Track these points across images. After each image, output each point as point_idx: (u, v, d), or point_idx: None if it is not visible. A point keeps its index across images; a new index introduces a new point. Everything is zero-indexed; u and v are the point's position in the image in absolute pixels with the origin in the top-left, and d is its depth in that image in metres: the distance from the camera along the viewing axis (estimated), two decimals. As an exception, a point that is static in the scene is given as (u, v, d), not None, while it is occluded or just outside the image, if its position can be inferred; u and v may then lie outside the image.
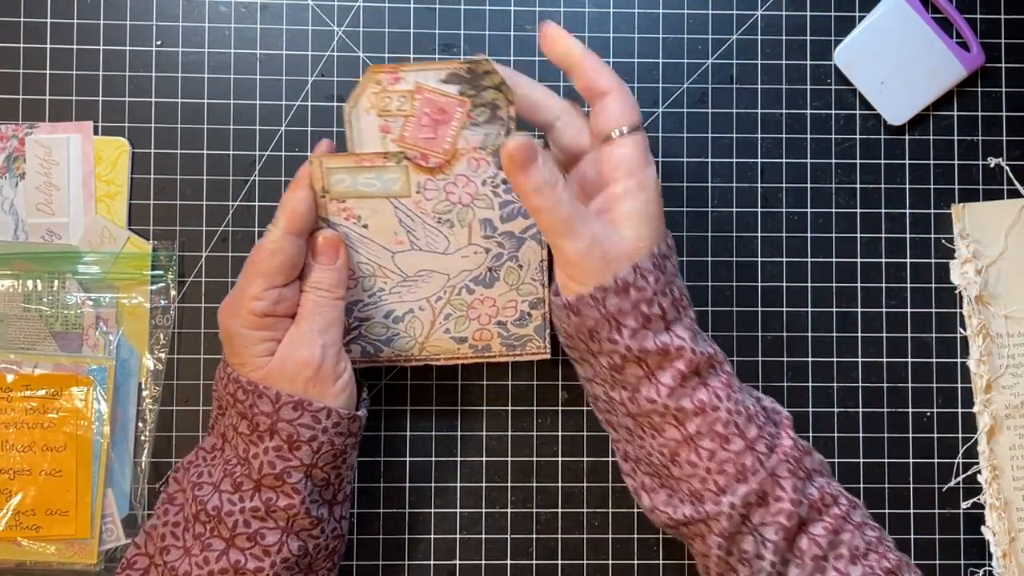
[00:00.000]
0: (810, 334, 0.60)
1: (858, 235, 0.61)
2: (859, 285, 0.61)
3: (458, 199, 0.52)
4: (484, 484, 0.60)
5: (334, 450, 0.50)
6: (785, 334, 0.60)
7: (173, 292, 0.59)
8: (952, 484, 0.60)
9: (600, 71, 0.50)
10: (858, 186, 0.61)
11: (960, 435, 0.60)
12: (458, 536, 0.60)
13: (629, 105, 0.50)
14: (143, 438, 0.58)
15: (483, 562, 0.59)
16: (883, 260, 0.61)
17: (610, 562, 0.60)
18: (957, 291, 0.60)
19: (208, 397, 0.59)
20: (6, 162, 0.58)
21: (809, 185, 0.61)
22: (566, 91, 0.60)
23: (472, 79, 0.50)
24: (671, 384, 0.48)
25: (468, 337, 0.54)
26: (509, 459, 0.60)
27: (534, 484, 0.60)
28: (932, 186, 0.61)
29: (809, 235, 0.61)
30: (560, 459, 0.60)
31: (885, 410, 0.60)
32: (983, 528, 0.60)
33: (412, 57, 0.60)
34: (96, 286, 0.58)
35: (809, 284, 0.60)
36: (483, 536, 0.60)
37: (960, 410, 0.60)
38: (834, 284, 0.61)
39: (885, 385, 0.60)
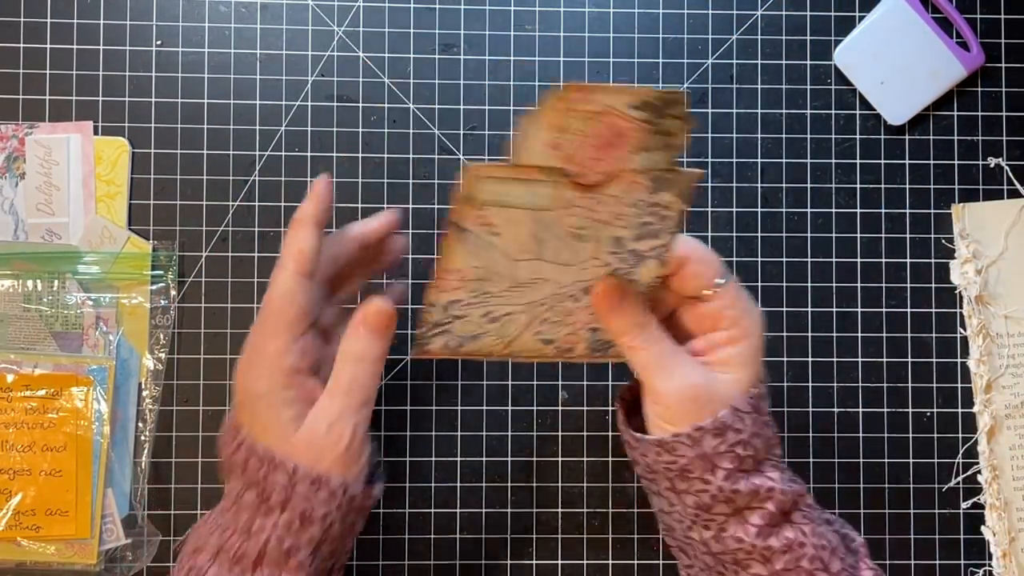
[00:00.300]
0: (810, 334, 0.60)
1: (858, 235, 0.61)
2: (859, 285, 0.61)
3: (600, 218, 0.48)
4: (484, 484, 0.60)
5: (344, 526, 0.47)
6: (785, 334, 0.60)
7: (173, 292, 0.59)
8: (952, 484, 0.60)
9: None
10: (858, 186, 0.61)
11: (960, 435, 0.60)
12: (458, 536, 0.60)
13: (712, 261, 0.48)
14: (143, 438, 0.58)
15: (483, 562, 0.59)
16: (883, 260, 0.61)
17: (610, 562, 0.60)
18: (957, 291, 0.60)
19: (208, 397, 0.59)
20: (6, 162, 0.58)
21: (809, 185, 0.61)
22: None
23: (660, 107, 0.46)
24: (760, 524, 0.47)
25: (556, 340, 0.51)
26: (509, 459, 0.60)
27: (534, 484, 0.60)
28: (932, 186, 0.61)
29: (809, 235, 0.61)
30: (560, 459, 0.60)
31: (885, 410, 0.60)
32: (983, 528, 0.60)
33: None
34: (96, 286, 0.58)
35: (809, 284, 0.60)
36: (483, 536, 0.60)
37: (960, 410, 0.60)
38: (834, 284, 0.61)
39: (885, 385, 0.60)
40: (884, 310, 0.61)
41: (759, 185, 0.61)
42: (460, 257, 0.48)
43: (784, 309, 0.60)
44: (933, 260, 0.61)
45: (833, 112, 0.61)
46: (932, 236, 0.61)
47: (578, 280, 0.50)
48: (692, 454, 0.46)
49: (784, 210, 0.61)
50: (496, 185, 0.47)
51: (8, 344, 0.58)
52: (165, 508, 0.59)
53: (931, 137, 0.61)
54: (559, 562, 0.60)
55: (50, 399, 0.57)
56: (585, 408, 0.60)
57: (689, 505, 0.48)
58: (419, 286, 0.60)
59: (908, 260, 0.61)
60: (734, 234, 0.60)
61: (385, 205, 0.60)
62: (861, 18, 0.61)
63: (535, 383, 0.60)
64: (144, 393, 0.59)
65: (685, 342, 0.49)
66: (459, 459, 0.60)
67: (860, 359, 0.60)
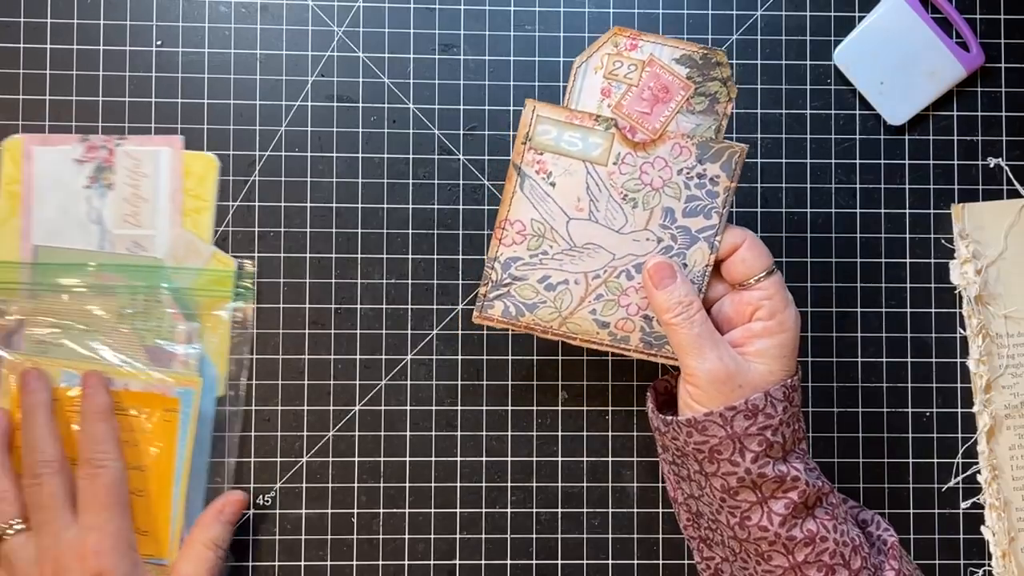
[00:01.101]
0: (810, 334, 0.60)
1: (858, 235, 0.61)
2: (859, 285, 0.61)
3: (650, 180, 0.51)
4: (484, 484, 0.60)
5: None
6: (785, 334, 0.60)
7: (252, 310, 0.59)
8: (952, 484, 0.60)
9: (727, 231, 0.51)
10: (858, 186, 0.61)
11: (960, 435, 0.60)
12: (458, 536, 0.60)
13: (763, 251, 0.51)
14: (221, 460, 0.59)
15: (483, 562, 0.59)
16: (883, 260, 0.61)
17: (610, 562, 0.60)
18: (957, 291, 0.60)
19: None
20: (95, 172, 0.58)
21: (809, 185, 0.61)
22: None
23: (703, 65, 0.50)
24: (783, 513, 0.48)
25: (611, 324, 0.53)
26: (509, 459, 0.60)
27: (534, 484, 0.60)
28: (932, 186, 0.61)
29: (809, 235, 0.61)
30: (560, 459, 0.60)
31: (885, 410, 0.60)
32: (983, 528, 0.60)
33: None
34: (184, 302, 0.58)
35: (809, 284, 0.60)
36: (483, 536, 0.60)
37: (960, 410, 0.60)
38: (834, 284, 0.61)
39: (885, 385, 0.60)
40: (884, 310, 0.61)
41: (759, 185, 0.61)
42: (520, 206, 0.51)
43: (784, 309, 0.60)
44: (933, 260, 0.61)
45: (833, 112, 0.61)
46: (932, 236, 0.61)
47: (630, 253, 0.52)
48: (723, 434, 0.48)
49: (784, 210, 0.61)
50: (552, 128, 0.51)
51: (102, 356, 0.57)
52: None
53: (931, 137, 0.61)
54: (559, 562, 0.60)
55: (138, 418, 0.57)
56: (585, 408, 0.60)
57: (716, 488, 0.49)
58: (419, 286, 0.60)
59: (908, 260, 0.61)
60: (734, 234, 0.60)
61: (385, 205, 0.60)
62: (861, 18, 0.61)
63: (535, 383, 0.60)
64: (224, 411, 0.59)
65: (726, 332, 0.51)
66: (459, 459, 0.60)
67: (860, 359, 0.61)
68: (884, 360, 0.61)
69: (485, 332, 0.60)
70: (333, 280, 0.60)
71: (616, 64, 0.50)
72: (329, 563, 0.59)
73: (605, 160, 0.51)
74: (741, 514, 0.49)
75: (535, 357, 0.60)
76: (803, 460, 0.50)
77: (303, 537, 0.59)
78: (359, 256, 0.60)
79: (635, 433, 0.60)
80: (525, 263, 0.52)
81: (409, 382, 0.60)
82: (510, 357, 0.60)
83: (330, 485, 0.59)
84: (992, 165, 0.61)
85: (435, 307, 0.60)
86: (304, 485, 0.59)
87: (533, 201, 0.51)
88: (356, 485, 0.59)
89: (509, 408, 0.60)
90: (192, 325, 0.58)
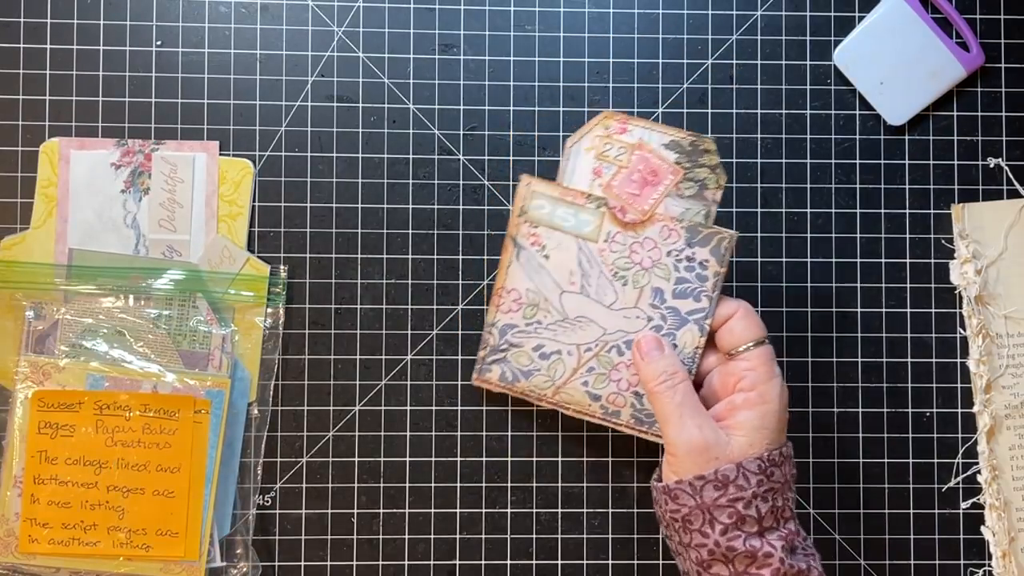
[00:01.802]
0: (810, 334, 0.60)
1: (858, 235, 0.61)
2: (859, 285, 0.61)
3: (640, 260, 0.53)
4: (484, 484, 0.60)
5: None
6: (785, 334, 0.60)
7: (283, 316, 0.59)
8: (952, 484, 0.60)
9: (722, 302, 0.53)
10: (858, 186, 0.61)
11: (960, 435, 0.60)
12: (458, 536, 0.60)
13: (754, 322, 0.52)
14: (249, 462, 0.59)
15: (483, 562, 0.59)
16: (883, 260, 0.61)
17: (610, 562, 0.60)
18: (957, 291, 0.60)
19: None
20: (131, 177, 0.58)
21: (809, 185, 0.61)
22: (553, 90, 0.60)
23: (692, 152, 0.53)
24: None
25: (602, 397, 0.55)
26: (509, 459, 0.60)
27: (534, 484, 0.60)
28: (932, 186, 0.61)
29: (809, 235, 0.61)
30: (560, 459, 0.60)
31: (885, 410, 0.60)
32: (983, 528, 0.60)
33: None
34: (218, 306, 0.58)
35: (809, 284, 0.60)
36: (483, 536, 0.60)
37: (960, 410, 0.60)
38: (834, 284, 0.61)
39: (885, 385, 0.60)
40: (884, 310, 0.61)
41: (759, 185, 0.61)
42: (516, 276, 0.54)
43: (784, 309, 0.60)
44: (933, 260, 0.61)
45: (833, 112, 0.61)
46: (932, 236, 0.61)
47: (621, 329, 0.54)
48: (692, 503, 0.49)
49: (784, 210, 0.61)
50: (547, 203, 0.53)
51: (134, 359, 0.57)
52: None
53: (931, 137, 0.61)
54: (559, 562, 0.60)
55: (168, 419, 0.57)
56: (585, 408, 0.60)
57: (693, 560, 0.49)
58: (419, 286, 0.60)
59: (908, 260, 0.61)
60: (734, 234, 0.60)
61: (385, 205, 0.60)
62: (861, 18, 0.61)
63: (535, 383, 0.60)
64: (254, 414, 0.59)
65: (712, 405, 0.52)
66: (459, 459, 0.60)
67: (860, 359, 0.61)
68: (884, 360, 0.61)
69: (485, 332, 0.60)
70: (333, 280, 0.60)
71: (607, 146, 0.53)
72: (329, 563, 0.59)
73: (596, 237, 0.53)
74: None
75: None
76: (785, 539, 0.49)
77: (303, 537, 0.59)
78: (359, 256, 0.60)
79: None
80: (521, 330, 0.55)
81: (409, 382, 0.60)
82: (510, 357, 0.60)
83: (330, 485, 0.59)
84: (992, 165, 0.61)
85: (435, 307, 0.60)
86: (304, 485, 0.59)
87: (528, 272, 0.54)
88: (356, 485, 0.59)
89: (509, 408, 0.60)
90: (226, 329, 0.58)
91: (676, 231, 0.53)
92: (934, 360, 0.61)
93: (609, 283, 0.53)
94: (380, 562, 0.59)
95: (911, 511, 0.60)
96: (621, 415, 0.55)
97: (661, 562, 0.60)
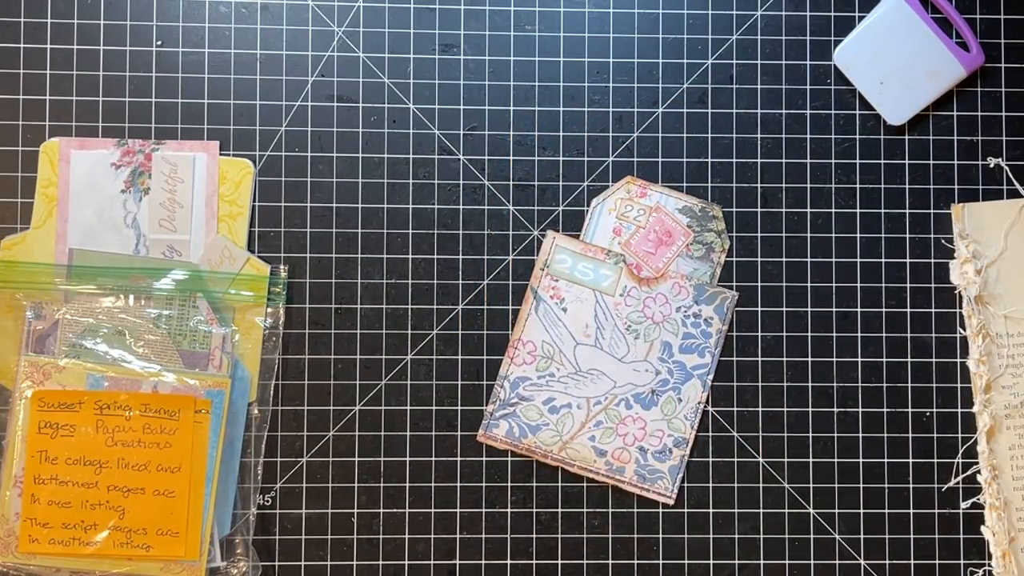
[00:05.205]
0: (810, 334, 0.60)
1: (858, 235, 0.61)
2: (859, 285, 0.61)
3: (652, 314, 0.57)
4: (484, 484, 0.60)
5: None
6: (785, 334, 0.60)
7: (283, 316, 0.59)
8: (952, 484, 0.60)
9: None
10: (858, 186, 0.61)
11: (960, 435, 0.60)
12: (458, 536, 0.60)
13: None
14: (250, 462, 0.59)
15: (483, 562, 0.59)
16: (883, 260, 0.61)
17: (610, 562, 0.60)
18: (957, 291, 0.60)
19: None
20: (131, 177, 0.58)
21: (809, 185, 0.61)
22: (556, 89, 0.60)
23: (701, 217, 0.57)
24: None
25: (608, 452, 0.57)
26: (509, 459, 0.60)
27: (534, 484, 0.60)
28: (932, 186, 0.61)
29: (809, 235, 0.61)
30: (560, 459, 0.60)
31: (885, 410, 0.60)
32: (983, 528, 0.60)
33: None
34: (218, 306, 0.58)
35: (809, 284, 0.60)
36: (483, 536, 0.60)
37: (960, 410, 0.60)
38: (834, 284, 0.61)
39: (885, 385, 0.60)
40: (884, 310, 0.61)
41: (759, 185, 0.61)
42: (533, 328, 0.57)
43: (784, 309, 0.60)
44: (933, 260, 0.61)
45: (833, 112, 0.61)
46: (932, 236, 0.61)
47: (630, 382, 0.57)
48: None
49: (784, 210, 0.61)
50: (569, 258, 0.57)
51: (134, 358, 0.57)
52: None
53: (931, 137, 0.61)
54: (559, 562, 0.60)
55: (168, 419, 0.57)
56: (585, 408, 0.60)
57: None
58: (419, 286, 0.60)
59: (908, 260, 0.61)
60: (734, 234, 0.60)
61: (385, 205, 0.60)
62: (861, 18, 0.61)
63: (535, 383, 0.60)
64: (254, 414, 0.59)
65: None
66: (459, 459, 0.60)
67: (860, 359, 0.61)
68: (884, 360, 0.61)
69: (485, 332, 0.60)
70: (333, 280, 0.60)
71: (627, 207, 0.57)
72: (329, 563, 0.59)
73: (613, 291, 0.57)
74: None
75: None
76: None
77: (303, 537, 0.59)
78: (359, 256, 0.60)
79: (635, 433, 0.60)
80: (533, 383, 0.57)
81: (409, 382, 0.60)
82: (510, 357, 0.60)
83: (330, 485, 0.59)
84: (992, 165, 0.61)
85: (435, 307, 0.60)
86: (304, 485, 0.59)
87: (546, 324, 0.57)
88: (356, 485, 0.59)
89: (509, 408, 0.60)
90: (226, 329, 0.58)
91: (685, 288, 0.57)
92: (934, 360, 0.61)
93: (622, 336, 0.57)
94: (380, 562, 0.59)
95: (911, 511, 0.60)
96: (625, 472, 0.57)
97: (661, 562, 0.60)
